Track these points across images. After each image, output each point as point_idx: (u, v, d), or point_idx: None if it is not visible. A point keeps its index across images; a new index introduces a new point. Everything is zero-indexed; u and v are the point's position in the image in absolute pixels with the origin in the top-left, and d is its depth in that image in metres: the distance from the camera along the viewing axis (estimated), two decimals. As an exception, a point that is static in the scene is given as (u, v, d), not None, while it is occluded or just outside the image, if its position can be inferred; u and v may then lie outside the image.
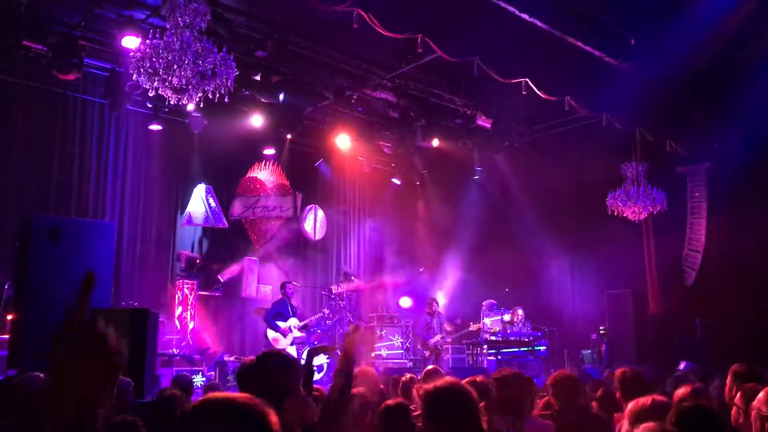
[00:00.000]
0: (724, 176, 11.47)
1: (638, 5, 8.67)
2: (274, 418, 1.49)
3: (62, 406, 1.28)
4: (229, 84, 7.62)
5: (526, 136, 13.08)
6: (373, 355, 12.00)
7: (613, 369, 10.27)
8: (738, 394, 3.73)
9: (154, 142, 11.78)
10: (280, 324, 10.76)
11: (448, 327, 12.31)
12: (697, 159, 12.14)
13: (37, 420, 1.29)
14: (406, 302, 14.15)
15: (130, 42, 8.56)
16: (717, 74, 10.21)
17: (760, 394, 3.23)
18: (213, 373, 10.57)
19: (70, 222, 9.68)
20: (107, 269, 9.15)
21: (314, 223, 14.03)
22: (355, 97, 11.57)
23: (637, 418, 3.23)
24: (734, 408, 3.63)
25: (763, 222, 10.96)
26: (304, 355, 10.57)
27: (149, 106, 11.12)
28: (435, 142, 13.09)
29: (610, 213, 11.58)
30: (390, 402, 3.67)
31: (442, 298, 13.58)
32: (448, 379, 2.79)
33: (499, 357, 11.45)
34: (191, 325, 11.38)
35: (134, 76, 7.54)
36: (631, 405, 3.43)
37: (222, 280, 12.15)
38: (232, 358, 11.02)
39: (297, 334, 10.96)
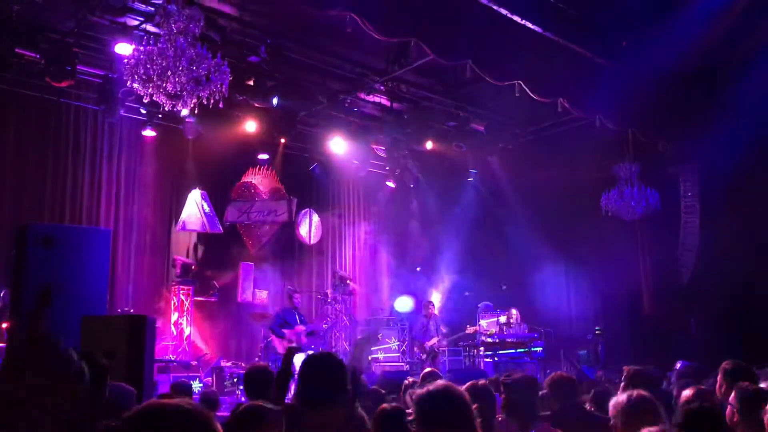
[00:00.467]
0: (717, 175, 11.53)
1: (629, 6, 8.73)
2: (217, 424, 1.52)
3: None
4: (223, 90, 7.64)
5: (519, 137, 13.14)
6: (369, 358, 12.02)
7: (607, 369, 10.35)
8: (732, 393, 3.77)
9: (148, 148, 11.77)
10: (286, 332, 10.73)
11: (444, 329, 12.33)
12: (690, 159, 12.20)
13: None
14: (401, 304, 14.15)
15: (124, 48, 8.56)
16: (708, 74, 10.29)
17: None
18: (210, 379, 10.55)
19: (65, 229, 9.67)
20: (102, 276, 9.13)
21: (309, 227, 14.03)
22: (348, 101, 11.59)
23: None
24: (729, 407, 3.66)
25: (756, 220, 11.02)
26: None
27: (143, 112, 11.12)
28: (428, 145, 13.12)
29: (604, 214, 11.63)
30: (386, 406, 3.65)
31: (437, 299, 13.60)
32: (441, 382, 2.80)
33: (496, 359, 11.48)
34: (187, 331, 11.36)
35: (129, 82, 7.55)
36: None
37: (217, 286, 12.13)
38: (228, 364, 11.01)
39: (304, 340, 10.95)
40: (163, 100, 7.61)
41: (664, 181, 12.10)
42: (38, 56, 9.15)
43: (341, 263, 14.79)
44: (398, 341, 12.67)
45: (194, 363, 10.89)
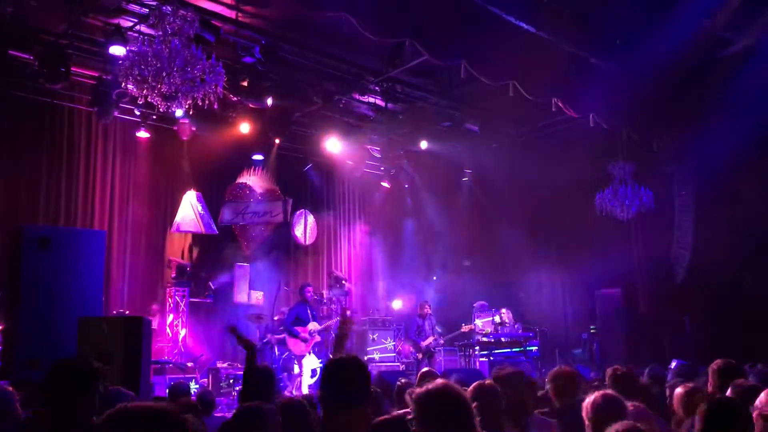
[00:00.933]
0: (711, 175, 11.58)
1: (622, 6, 8.76)
2: (190, 424, 1.54)
3: None
4: (218, 91, 7.63)
5: (514, 137, 13.17)
6: (365, 358, 12.01)
7: (602, 369, 10.37)
8: (728, 390, 3.80)
9: (142, 150, 11.75)
10: (300, 329, 10.69)
11: (439, 329, 12.34)
12: (684, 158, 12.25)
13: None
14: (398, 304, 14.19)
15: (117, 50, 8.55)
16: (702, 74, 10.32)
17: (762, 396, 3.30)
18: (206, 380, 10.54)
19: (60, 231, 9.65)
20: (98, 278, 9.13)
21: (304, 227, 14.03)
22: (343, 101, 11.60)
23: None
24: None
25: (750, 219, 11.07)
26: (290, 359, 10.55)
27: (137, 113, 11.10)
28: (423, 144, 13.14)
29: (598, 213, 11.67)
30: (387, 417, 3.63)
31: (432, 295, 13.64)
32: (440, 381, 2.80)
33: (491, 358, 11.50)
34: (183, 333, 11.34)
35: (123, 84, 7.53)
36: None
37: (213, 287, 12.12)
38: (224, 365, 11.00)
39: (317, 338, 10.90)
40: (158, 102, 7.59)
41: (659, 180, 12.15)
42: (32, 58, 9.12)
43: (337, 263, 14.79)
44: (394, 341, 12.67)
45: (190, 364, 10.88)
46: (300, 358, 10.67)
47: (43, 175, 10.66)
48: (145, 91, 7.44)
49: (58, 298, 8.19)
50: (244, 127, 11.57)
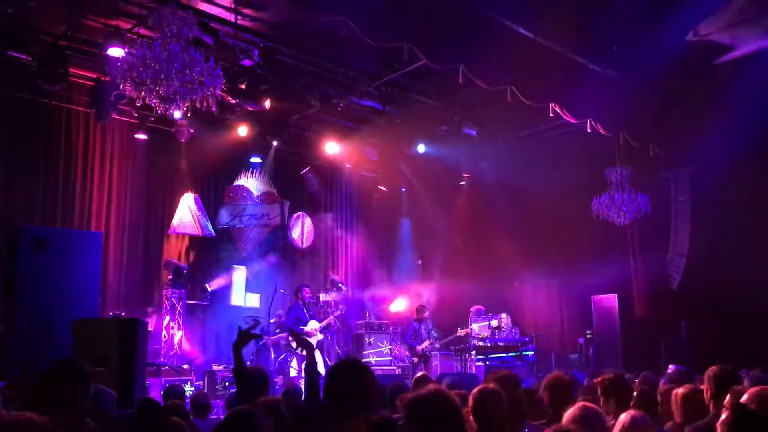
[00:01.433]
0: (707, 180, 11.61)
1: (621, 12, 8.78)
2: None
3: None
4: (216, 93, 7.64)
5: (511, 142, 13.17)
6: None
7: (598, 374, 10.38)
8: (727, 397, 3.80)
9: (140, 151, 11.73)
10: (305, 328, 10.75)
11: (435, 333, 12.34)
12: (681, 164, 12.27)
13: None
14: (397, 306, 14.20)
15: (116, 52, 8.55)
16: (699, 80, 10.35)
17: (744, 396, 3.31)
18: (202, 382, 10.54)
19: (57, 232, 9.66)
20: (94, 279, 9.15)
21: (302, 230, 14.04)
22: (341, 104, 11.61)
23: None
24: (724, 410, 3.69)
25: (746, 225, 11.10)
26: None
27: (135, 115, 11.11)
28: (421, 148, 13.14)
29: (595, 218, 11.69)
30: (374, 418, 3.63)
31: (428, 298, 13.65)
32: (431, 387, 2.81)
33: (487, 362, 11.49)
34: (179, 335, 11.33)
35: (121, 85, 7.54)
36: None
37: (209, 289, 12.11)
38: (220, 368, 10.98)
39: (320, 336, 10.94)
40: (156, 104, 7.61)
41: (656, 186, 12.17)
42: (30, 59, 9.11)
43: (333, 266, 14.79)
44: (390, 345, 12.67)
45: (186, 366, 10.88)
46: (303, 359, 10.72)
47: (41, 175, 10.63)
48: (143, 93, 7.46)
49: (55, 299, 8.21)
50: (242, 130, 11.58)
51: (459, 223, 14.75)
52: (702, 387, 4.43)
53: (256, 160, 13.04)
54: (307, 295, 11.16)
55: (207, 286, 12.13)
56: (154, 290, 11.79)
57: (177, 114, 9.29)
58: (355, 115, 12.52)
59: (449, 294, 13.96)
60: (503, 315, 12.07)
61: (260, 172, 13.29)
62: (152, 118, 11.05)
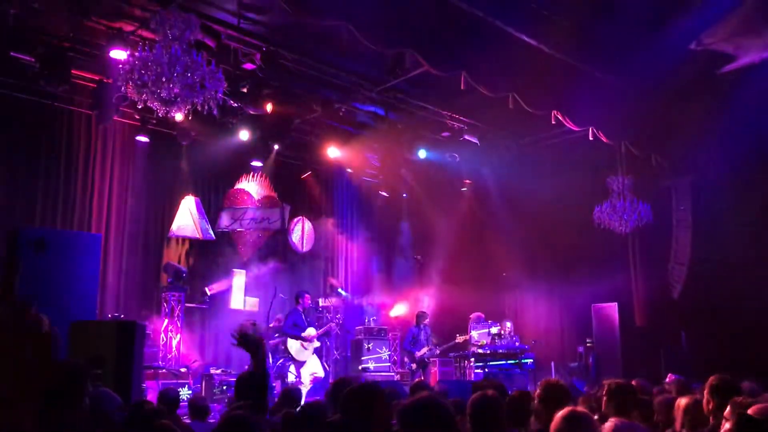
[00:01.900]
0: (709, 189, 11.59)
1: (624, 20, 8.78)
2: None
3: None
4: (218, 97, 7.64)
5: (513, 149, 13.17)
6: (360, 367, 11.99)
7: (598, 384, 10.34)
8: (727, 408, 3.78)
9: (141, 154, 11.73)
10: (302, 334, 10.74)
11: (434, 339, 12.31)
12: (683, 173, 12.25)
13: None
14: (398, 312, 14.17)
15: (119, 54, 8.56)
16: (701, 88, 10.33)
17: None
18: (199, 385, 10.51)
19: (56, 234, 9.65)
20: (93, 281, 9.12)
21: (302, 235, 14.02)
22: (343, 109, 11.61)
23: None
24: (724, 421, 3.68)
25: (748, 235, 11.07)
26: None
27: (137, 117, 11.11)
28: (422, 154, 13.13)
29: (596, 226, 11.66)
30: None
31: (427, 298, 13.63)
32: (425, 394, 2.80)
33: (486, 369, 11.46)
34: (177, 338, 11.30)
35: (123, 88, 7.54)
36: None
37: (209, 292, 12.09)
38: (218, 371, 10.97)
39: (317, 344, 10.91)
40: (157, 106, 7.61)
41: (657, 195, 12.15)
42: (33, 60, 9.13)
43: (333, 271, 14.77)
44: (389, 351, 12.64)
45: (184, 370, 10.85)
46: (301, 365, 10.68)
47: (41, 176, 10.64)
48: (144, 96, 7.46)
49: (53, 301, 8.17)
50: (244, 134, 11.57)
51: (460, 230, 14.72)
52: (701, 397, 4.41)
53: (257, 163, 13.02)
54: (308, 302, 11.17)
55: (206, 289, 12.10)
56: (153, 293, 11.77)
57: (179, 117, 9.28)
58: (357, 120, 12.52)
59: (449, 300, 13.93)
60: (508, 323, 12.04)
61: (261, 176, 13.28)
62: (154, 121, 11.04)
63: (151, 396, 8.70)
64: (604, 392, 4.57)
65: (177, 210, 12.11)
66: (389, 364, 12.57)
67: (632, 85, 9.92)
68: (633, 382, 5.52)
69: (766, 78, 9.53)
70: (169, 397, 5.82)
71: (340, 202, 15.21)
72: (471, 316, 12.28)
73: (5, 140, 10.31)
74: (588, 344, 12.73)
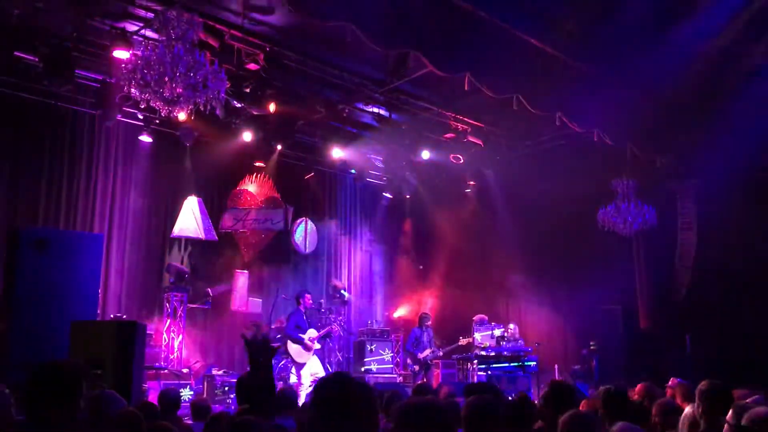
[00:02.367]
0: (715, 192, 11.52)
1: (629, 22, 8.73)
2: None
3: None
4: (220, 97, 7.63)
5: (517, 150, 13.13)
6: (362, 369, 11.96)
7: (602, 385, 10.30)
8: (730, 412, 3.74)
9: (144, 154, 11.73)
10: (304, 336, 10.68)
11: (437, 341, 12.27)
12: (688, 175, 12.19)
13: None
14: (401, 313, 14.15)
15: (122, 54, 8.55)
16: (706, 91, 10.28)
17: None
18: (201, 386, 10.49)
19: (58, 233, 9.64)
20: (95, 281, 9.11)
21: (305, 235, 14.00)
22: (346, 110, 11.58)
23: None
24: (726, 426, 3.65)
25: (753, 238, 11.01)
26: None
27: (140, 117, 11.10)
28: (426, 155, 13.10)
29: (600, 228, 11.62)
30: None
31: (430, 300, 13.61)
32: (426, 396, 2.76)
33: (489, 372, 11.42)
34: (179, 339, 11.29)
35: (126, 87, 7.53)
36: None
37: (211, 293, 12.07)
38: (220, 372, 10.95)
39: (317, 346, 10.87)
40: (160, 106, 7.60)
41: (662, 197, 12.10)
42: (37, 60, 9.13)
43: (336, 273, 14.74)
44: (391, 353, 12.61)
45: (185, 371, 10.84)
46: (301, 366, 10.64)
47: (44, 176, 10.64)
48: (147, 96, 7.45)
49: (55, 301, 8.17)
50: (247, 135, 11.56)
51: (463, 231, 14.68)
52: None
53: (260, 164, 13.00)
54: (309, 302, 11.10)
55: (209, 290, 12.09)
56: (155, 293, 11.75)
57: (182, 116, 9.27)
58: (361, 121, 12.49)
59: (452, 302, 13.91)
60: (511, 325, 12.01)
61: (264, 177, 13.26)
62: (157, 121, 11.03)
63: (153, 397, 8.69)
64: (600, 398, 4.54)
65: (180, 210, 12.10)
66: (392, 365, 12.54)
67: (637, 87, 9.88)
68: (640, 385, 5.50)
69: (771, 82, 9.49)
70: (170, 398, 5.79)
71: (343, 203, 15.19)
72: (474, 318, 12.25)
73: (8, 140, 10.30)
74: (591, 347, 12.68)
